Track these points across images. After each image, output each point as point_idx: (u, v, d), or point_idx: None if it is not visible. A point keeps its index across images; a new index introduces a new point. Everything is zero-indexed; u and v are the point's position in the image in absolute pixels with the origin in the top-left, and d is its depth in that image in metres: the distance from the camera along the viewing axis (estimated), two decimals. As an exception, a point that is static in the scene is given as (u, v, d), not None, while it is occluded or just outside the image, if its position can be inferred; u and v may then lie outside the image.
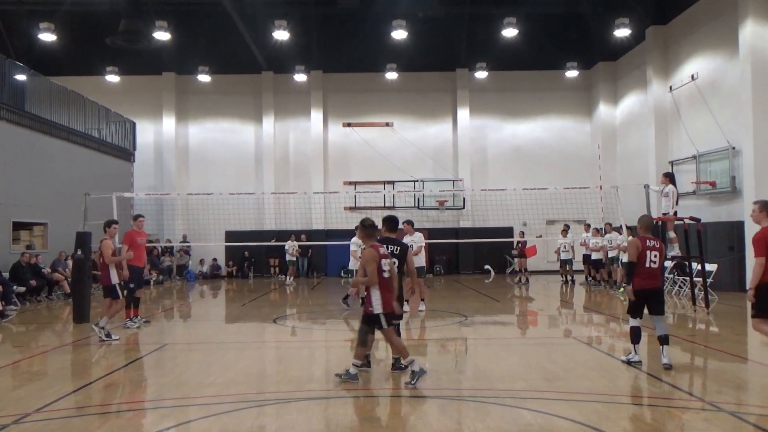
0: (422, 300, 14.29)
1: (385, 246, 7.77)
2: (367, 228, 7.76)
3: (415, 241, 14.11)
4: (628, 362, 8.21)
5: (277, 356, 10.11)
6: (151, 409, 6.85)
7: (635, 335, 8.17)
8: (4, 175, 17.73)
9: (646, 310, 8.27)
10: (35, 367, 9.20)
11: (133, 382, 8.01)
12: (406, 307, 14.00)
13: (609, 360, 8.96)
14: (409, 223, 14.52)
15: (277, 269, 27.63)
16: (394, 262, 7.73)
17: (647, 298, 8.10)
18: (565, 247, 21.70)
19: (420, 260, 14.15)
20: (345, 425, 6.04)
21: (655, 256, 8.05)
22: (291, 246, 24.82)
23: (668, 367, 7.95)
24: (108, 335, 10.81)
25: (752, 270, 7.39)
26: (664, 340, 8.07)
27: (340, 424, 6.05)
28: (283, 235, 25.68)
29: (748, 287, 7.64)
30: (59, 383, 7.90)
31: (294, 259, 25.03)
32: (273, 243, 24.45)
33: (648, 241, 8.14)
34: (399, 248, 7.94)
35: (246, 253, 27.62)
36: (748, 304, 7.71)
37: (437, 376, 8.03)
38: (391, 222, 8.20)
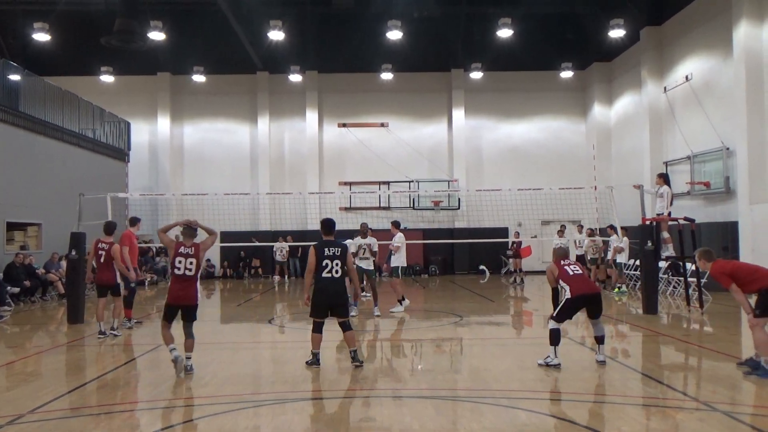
0: (400, 301, 14.39)
1: (327, 248, 8.35)
2: (184, 229, 8.38)
3: (395, 240, 14.36)
4: (546, 365, 8.13)
5: (273, 356, 10.11)
6: (146, 410, 6.84)
7: (556, 337, 8.19)
8: (-1, 175, 17.67)
9: (584, 315, 8.59)
10: (30, 367, 9.18)
11: (128, 382, 8.00)
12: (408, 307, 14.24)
13: (604, 360, 8.98)
14: (395, 224, 14.86)
15: (260, 270, 27.72)
16: (336, 264, 8.27)
17: (585, 304, 8.30)
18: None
19: (399, 260, 14.40)
20: (341, 425, 6.04)
21: (574, 266, 8.51)
22: (279, 247, 25.16)
23: (602, 363, 8.25)
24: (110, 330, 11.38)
25: (736, 299, 7.72)
26: (601, 340, 8.41)
27: (336, 424, 6.06)
28: (274, 235, 25.96)
29: (747, 314, 7.73)
30: (54, 384, 7.88)
31: (284, 260, 25.63)
32: (254, 244, 24.51)
33: (562, 261, 8.58)
34: (339, 249, 8.41)
35: (242, 253, 27.63)
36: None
37: (433, 376, 8.05)
38: (327, 226, 8.73)
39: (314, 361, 8.37)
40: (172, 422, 6.30)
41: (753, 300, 7.72)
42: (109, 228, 12.01)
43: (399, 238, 14.41)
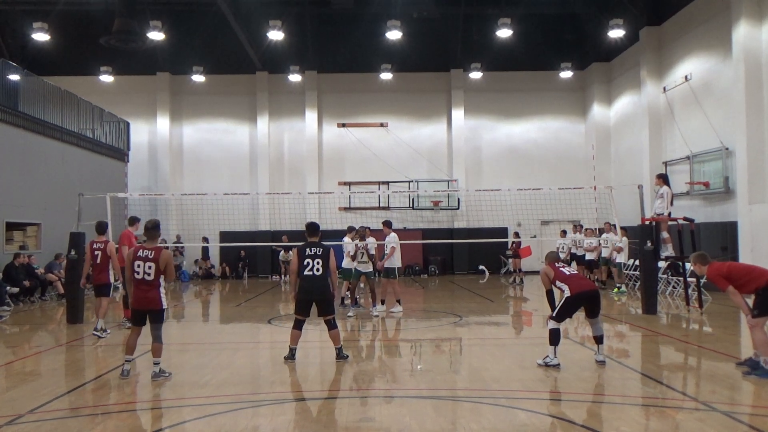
0: (398, 301, 14.41)
1: (309, 248, 8.83)
2: (148, 230, 8.28)
3: (389, 241, 14.31)
4: (545, 365, 8.17)
5: (272, 357, 10.11)
6: (145, 410, 6.84)
7: (556, 337, 8.20)
8: (-2, 176, 17.65)
9: (582, 313, 8.58)
10: (29, 367, 9.18)
11: (127, 382, 7.99)
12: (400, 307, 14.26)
13: (603, 360, 8.98)
14: (386, 223, 14.75)
15: (211, 270, 27.66)
16: (318, 262, 8.68)
17: (585, 302, 8.30)
18: (563, 248, 21.66)
19: (394, 261, 14.33)
20: (340, 425, 6.04)
21: (567, 269, 8.67)
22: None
23: (602, 363, 8.29)
24: (103, 329, 11.38)
25: (734, 301, 7.76)
26: (599, 339, 8.46)
27: (335, 424, 6.05)
28: (274, 235, 26.12)
29: (746, 315, 7.75)
30: (53, 384, 7.88)
31: (287, 260, 25.79)
32: (205, 244, 24.39)
33: (556, 263, 8.67)
34: (320, 249, 8.85)
35: (242, 252, 27.62)
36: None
37: (432, 377, 8.05)
38: (310, 228, 9.22)
39: (290, 356, 8.80)
40: (172, 422, 6.29)
41: (751, 300, 7.72)
42: (101, 228, 12.06)
43: (392, 239, 14.37)
